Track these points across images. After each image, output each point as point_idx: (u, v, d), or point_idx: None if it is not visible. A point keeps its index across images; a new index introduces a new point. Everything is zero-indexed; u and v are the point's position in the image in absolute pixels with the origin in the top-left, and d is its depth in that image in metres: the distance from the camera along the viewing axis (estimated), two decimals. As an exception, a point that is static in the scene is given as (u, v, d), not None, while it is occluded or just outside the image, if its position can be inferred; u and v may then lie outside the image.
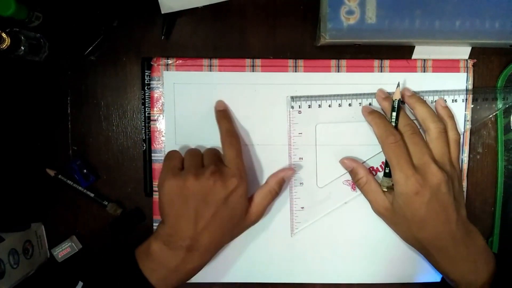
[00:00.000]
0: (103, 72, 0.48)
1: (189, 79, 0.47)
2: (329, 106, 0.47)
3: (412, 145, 0.42)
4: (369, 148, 0.47)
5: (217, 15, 0.47)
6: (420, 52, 0.47)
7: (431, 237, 0.42)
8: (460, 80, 0.47)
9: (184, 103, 0.47)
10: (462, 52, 0.47)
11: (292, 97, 0.47)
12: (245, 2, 0.47)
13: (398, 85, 0.45)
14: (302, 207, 0.48)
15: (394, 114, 0.44)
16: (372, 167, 0.48)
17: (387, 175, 0.44)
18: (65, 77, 0.48)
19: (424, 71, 0.47)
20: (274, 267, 0.49)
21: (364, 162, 0.48)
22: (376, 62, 0.47)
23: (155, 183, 0.48)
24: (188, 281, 0.49)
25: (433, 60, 0.47)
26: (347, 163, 0.47)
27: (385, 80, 0.47)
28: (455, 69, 0.47)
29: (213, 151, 0.45)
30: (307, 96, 0.47)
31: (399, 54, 0.48)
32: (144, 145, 0.48)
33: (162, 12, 0.45)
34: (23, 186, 0.49)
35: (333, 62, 0.47)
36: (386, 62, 0.47)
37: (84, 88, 0.49)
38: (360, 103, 0.47)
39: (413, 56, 0.48)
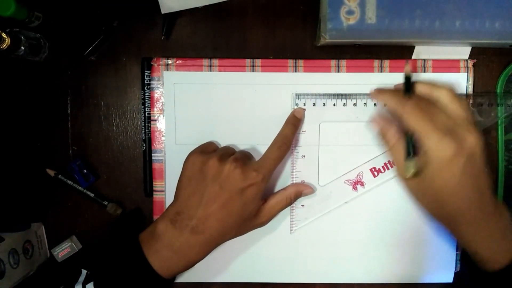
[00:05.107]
0: (103, 72, 0.48)
1: (189, 79, 0.47)
2: (334, 105, 0.47)
3: (434, 113, 0.39)
4: (372, 148, 0.47)
5: (217, 15, 0.47)
6: (420, 52, 0.47)
7: (463, 208, 0.38)
8: (460, 80, 0.47)
9: (184, 103, 0.47)
10: (462, 52, 0.47)
11: (297, 95, 0.47)
12: (245, 2, 0.47)
13: (407, 62, 0.45)
14: (302, 205, 0.48)
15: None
16: (375, 167, 0.48)
17: (410, 155, 0.40)
18: (65, 77, 0.48)
19: (424, 71, 0.47)
20: (274, 266, 0.49)
21: (367, 162, 0.48)
22: (376, 62, 0.47)
23: (155, 183, 0.48)
24: (188, 281, 0.49)
25: (433, 60, 0.47)
26: (378, 121, 0.43)
27: (385, 80, 0.47)
28: (455, 69, 0.47)
29: (246, 151, 0.46)
30: (312, 94, 0.47)
31: (399, 54, 0.48)
32: (144, 145, 0.48)
33: (162, 12, 0.45)
34: (23, 186, 0.49)
35: (333, 62, 0.47)
36: (386, 62, 0.47)
37: (84, 88, 0.49)
38: (365, 103, 0.47)
39: (413, 56, 0.48)
